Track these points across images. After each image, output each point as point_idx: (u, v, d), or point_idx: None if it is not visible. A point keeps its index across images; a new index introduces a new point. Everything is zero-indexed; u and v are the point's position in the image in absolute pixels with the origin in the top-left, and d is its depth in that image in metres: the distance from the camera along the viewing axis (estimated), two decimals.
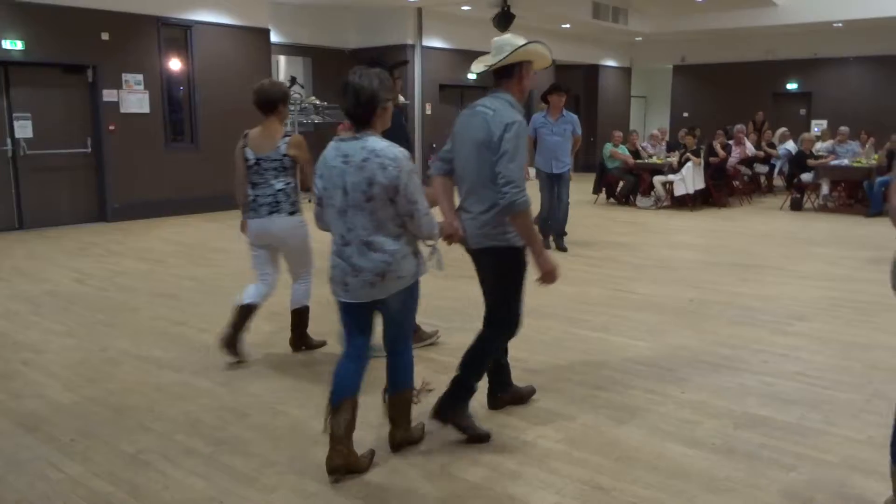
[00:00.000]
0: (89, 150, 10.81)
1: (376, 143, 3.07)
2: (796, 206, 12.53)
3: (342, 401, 3.20)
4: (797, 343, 5.15)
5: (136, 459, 3.42)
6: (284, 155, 4.54)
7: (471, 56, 16.40)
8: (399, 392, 3.40)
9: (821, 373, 4.54)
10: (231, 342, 4.67)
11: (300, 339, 5.02)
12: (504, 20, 14.39)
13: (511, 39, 3.49)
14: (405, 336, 3.37)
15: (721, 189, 13.00)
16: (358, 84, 3.03)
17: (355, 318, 3.28)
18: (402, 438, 3.46)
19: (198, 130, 11.94)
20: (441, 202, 3.66)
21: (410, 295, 3.26)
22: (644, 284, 6.92)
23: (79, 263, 8.00)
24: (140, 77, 11.10)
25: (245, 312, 4.71)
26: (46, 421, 3.86)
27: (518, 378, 4.15)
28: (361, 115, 3.08)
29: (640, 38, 19.75)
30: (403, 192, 3.05)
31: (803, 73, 19.04)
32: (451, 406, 3.55)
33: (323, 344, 5.08)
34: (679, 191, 12.24)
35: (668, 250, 8.71)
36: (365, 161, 3.03)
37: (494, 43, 3.51)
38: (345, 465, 3.19)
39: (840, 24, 16.59)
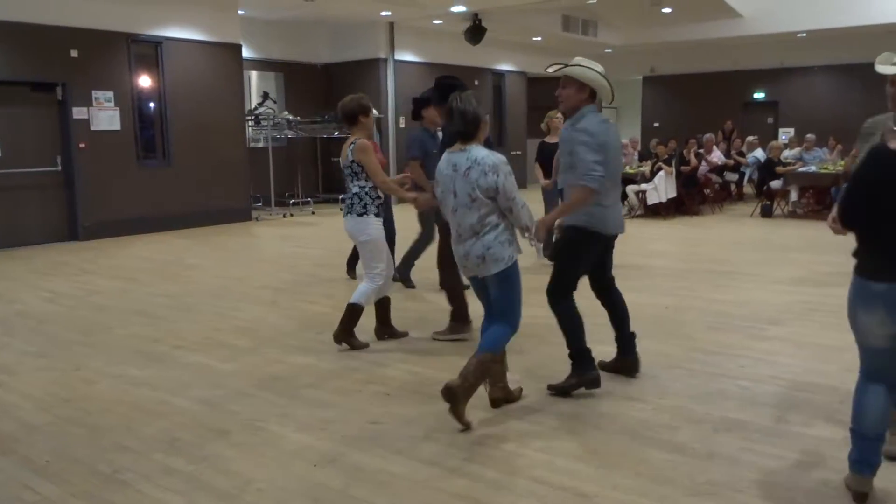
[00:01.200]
0: (59, 168, 10.67)
1: (479, 152, 3.77)
2: (766, 212, 12.72)
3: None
4: (773, 347, 5.21)
5: (114, 479, 3.36)
6: (352, 161, 5.08)
7: (443, 69, 16.61)
8: (483, 352, 3.83)
9: (796, 376, 4.60)
10: (382, 335, 5.45)
11: (343, 333, 5.22)
12: (476, 34, 14.52)
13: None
14: (505, 312, 3.92)
15: (693, 197, 13.17)
16: (463, 108, 3.77)
17: (482, 291, 4.02)
18: (459, 388, 3.70)
19: (170, 147, 11.86)
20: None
21: (508, 278, 3.85)
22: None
23: (50, 283, 7.88)
24: (110, 94, 11.00)
25: (380, 307, 5.41)
26: (20, 442, 3.78)
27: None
28: (468, 132, 3.80)
29: (609, 50, 20.01)
30: (502, 191, 3.72)
31: (770, 82, 19.41)
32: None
33: (366, 346, 5.26)
34: (652, 200, 12.37)
35: (643, 258, 8.79)
36: (469, 169, 3.74)
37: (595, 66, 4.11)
38: (504, 397, 4.04)
39: (804, 35, 16.95)
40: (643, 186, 12.57)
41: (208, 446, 3.70)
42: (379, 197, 5.16)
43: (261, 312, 6.45)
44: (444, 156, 3.87)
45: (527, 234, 3.91)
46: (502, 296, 3.89)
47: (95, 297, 7.13)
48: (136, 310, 6.60)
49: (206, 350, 5.37)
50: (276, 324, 6.05)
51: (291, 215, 13.61)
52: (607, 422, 3.92)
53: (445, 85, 5.34)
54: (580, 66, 4.08)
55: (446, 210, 3.91)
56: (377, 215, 5.13)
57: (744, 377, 4.58)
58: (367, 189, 5.10)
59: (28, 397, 4.45)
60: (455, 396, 3.68)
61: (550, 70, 4.37)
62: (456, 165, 3.78)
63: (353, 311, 5.19)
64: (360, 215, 5.08)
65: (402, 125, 15.43)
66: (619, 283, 4.75)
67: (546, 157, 8.14)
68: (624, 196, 12.90)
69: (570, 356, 4.28)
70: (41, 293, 7.37)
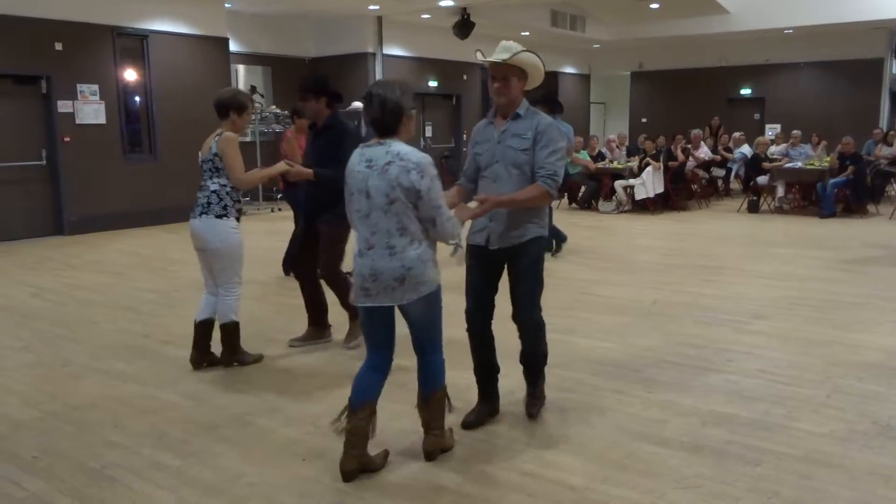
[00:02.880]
0: (44, 162, 10.57)
1: (400, 147, 3.11)
2: (753, 208, 12.79)
3: (360, 404, 3.25)
4: (759, 341, 5.25)
5: (102, 475, 3.35)
6: (215, 154, 4.54)
7: (431, 64, 16.58)
8: (431, 393, 3.38)
9: (782, 370, 4.64)
10: (198, 362, 4.78)
11: (231, 355, 4.77)
12: (464, 28, 14.49)
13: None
14: (432, 339, 3.35)
15: (680, 193, 13.22)
16: (382, 94, 3.09)
17: (377, 324, 3.28)
18: (435, 445, 3.42)
19: (156, 141, 11.77)
20: None
21: (432, 302, 3.24)
22: (608, 287, 7.00)
23: (35, 278, 7.82)
24: (95, 87, 10.90)
25: (202, 329, 4.76)
26: (7, 438, 3.76)
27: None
28: (387, 124, 3.13)
29: (598, 46, 20.02)
30: (426, 196, 3.08)
31: (756, 78, 19.49)
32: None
33: (259, 358, 4.90)
34: (640, 195, 12.41)
35: (631, 253, 8.82)
36: (388, 164, 3.07)
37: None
38: (357, 468, 3.25)
39: (790, 31, 17.03)
40: (631, 182, 12.61)
41: (197, 441, 3.69)
42: (239, 200, 4.64)
43: (248, 307, 6.41)
44: (357, 151, 3.23)
45: (451, 242, 3.29)
46: (428, 324, 3.29)
47: (81, 292, 7.08)
48: (123, 305, 6.56)
49: None
50: (263, 318, 6.04)
51: (279, 209, 13.55)
52: (595, 416, 3.94)
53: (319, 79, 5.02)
54: (523, 51, 3.56)
55: (355, 216, 3.21)
56: (238, 219, 4.62)
57: (731, 371, 4.62)
58: (228, 188, 4.56)
59: (14, 393, 4.42)
60: (438, 451, 3.43)
61: (481, 57, 3.70)
62: (371, 161, 3.11)
63: (230, 330, 4.72)
64: (220, 217, 4.51)
65: None
66: (607, 278, 4.77)
67: None
68: (612, 191, 12.95)
69: (539, 370, 3.93)
70: (26, 288, 7.31)
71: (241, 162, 4.53)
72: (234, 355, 4.78)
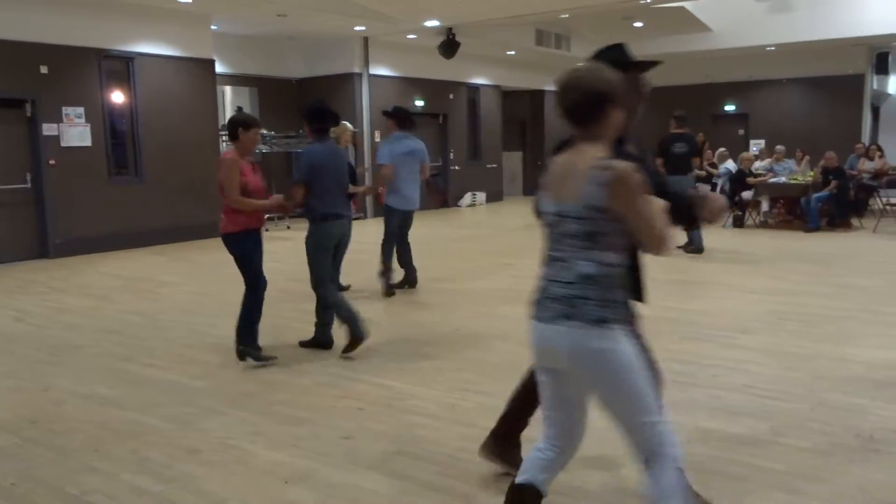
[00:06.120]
0: (29, 185, 10.52)
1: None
2: (738, 223, 12.87)
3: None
4: (744, 356, 5.26)
5: (82, 501, 3.30)
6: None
7: (417, 83, 16.66)
8: None
9: (767, 384, 4.64)
10: None
11: None
12: (449, 48, 14.59)
13: None
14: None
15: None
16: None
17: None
18: None
19: (142, 162, 11.74)
20: None
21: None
22: None
23: (19, 302, 7.75)
24: (81, 110, 10.88)
25: (515, 496, 2.65)
26: None
27: (481, 407, 4.13)
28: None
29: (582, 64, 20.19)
30: None
31: (740, 95, 19.69)
32: None
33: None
34: None
35: None
36: None
37: None
38: None
39: (773, 48, 17.23)
40: None
41: (178, 466, 3.65)
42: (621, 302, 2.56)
43: (234, 329, 6.38)
44: None
45: None
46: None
47: (65, 316, 7.02)
48: (107, 328, 6.51)
49: (177, 367, 5.31)
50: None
51: (266, 230, 13.54)
52: None
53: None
54: None
55: None
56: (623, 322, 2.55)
57: (715, 386, 4.62)
58: (608, 268, 2.45)
59: None
60: None
61: None
62: None
63: None
64: (598, 322, 2.40)
65: (377, 138, 15.42)
66: None
67: None
68: None
69: None
70: (9, 312, 7.24)
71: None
72: None
